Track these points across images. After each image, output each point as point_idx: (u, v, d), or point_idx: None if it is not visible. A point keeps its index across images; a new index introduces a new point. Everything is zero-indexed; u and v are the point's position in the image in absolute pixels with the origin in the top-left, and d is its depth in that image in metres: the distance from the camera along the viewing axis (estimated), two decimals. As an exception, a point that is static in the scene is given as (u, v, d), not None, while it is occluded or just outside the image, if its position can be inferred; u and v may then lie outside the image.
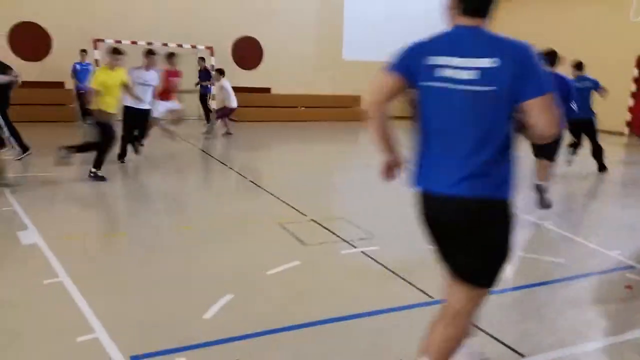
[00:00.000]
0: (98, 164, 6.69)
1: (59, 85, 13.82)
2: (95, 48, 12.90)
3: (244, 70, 14.58)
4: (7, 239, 4.49)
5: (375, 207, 6.13)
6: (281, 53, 15.30)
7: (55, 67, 13.54)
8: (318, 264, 4.18)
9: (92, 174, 6.66)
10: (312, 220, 5.28)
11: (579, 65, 8.40)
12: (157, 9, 14.42)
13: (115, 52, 6.73)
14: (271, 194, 6.38)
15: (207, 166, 8.80)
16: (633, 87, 13.92)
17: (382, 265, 4.12)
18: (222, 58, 14.31)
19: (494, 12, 2.01)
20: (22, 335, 2.89)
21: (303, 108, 15.82)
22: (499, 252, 2.05)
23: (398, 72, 2.05)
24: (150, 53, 7.99)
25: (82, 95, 12.09)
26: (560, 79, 5.58)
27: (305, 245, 4.55)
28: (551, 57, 5.76)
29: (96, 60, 12.88)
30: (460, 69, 1.93)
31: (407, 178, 2.17)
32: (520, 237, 5.25)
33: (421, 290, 3.63)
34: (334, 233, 4.88)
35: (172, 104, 9.13)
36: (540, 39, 17.32)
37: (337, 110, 16.02)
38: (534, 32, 17.35)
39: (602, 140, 8.58)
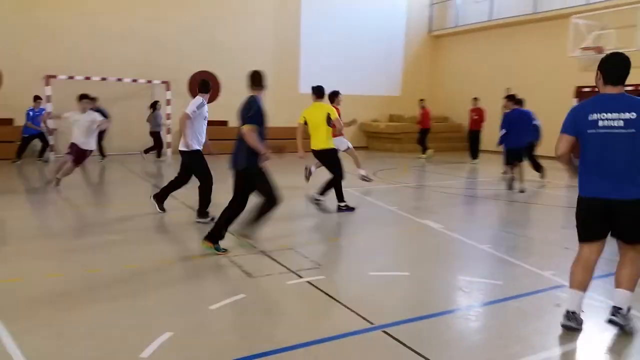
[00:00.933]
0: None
1: (8, 122, 13.49)
2: (47, 84, 12.73)
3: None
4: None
5: (323, 237, 6.22)
6: (238, 87, 15.44)
7: (6, 104, 13.27)
8: (263, 296, 4.20)
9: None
10: (261, 252, 5.31)
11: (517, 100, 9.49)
12: (112, 44, 14.40)
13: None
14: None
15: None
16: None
17: (327, 294, 4.18)
18: (179, 92, 14.36)
19: (626, 79, 3.37)
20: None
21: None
22: None
23: (571, 133, 3.47)
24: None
25: (26, 139, 12.46)
26: None
27: (252, 278, 4.57)
28: None
29: (48, 97, 12.69)
30: (612, 120, 3.30)
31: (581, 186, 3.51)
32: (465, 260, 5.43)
33: (363, 318, 3.71)
34: (281, 264, 4.92)
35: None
36: (486, 72, 18.14)
37: (293, 142, 16.18)
38: (480, 64, 18.25)
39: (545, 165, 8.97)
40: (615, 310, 3.47)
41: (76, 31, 14.00)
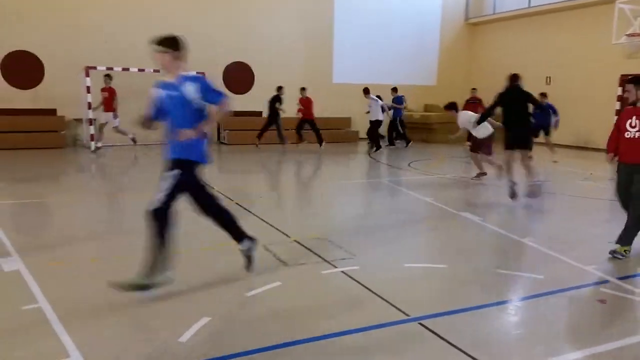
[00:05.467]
0: None
1: (52, 112, 13.92)
2: (87, 75, 13.05)
3: (236, 95, 14.79)
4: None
5: (358, 227, 6.19)
6: (272, 77, 15.51)
7: (48, 95, 13.71)
8: (299, 285, 4.21)
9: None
10: (295, 241, 5.33)
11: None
12: (148, 35, 14.62)
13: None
14: (256, 215, 6.44)
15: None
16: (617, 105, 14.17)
17: (362, 284, 4.16)
18: (214, 83, 14.49)
19: None
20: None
21: (293, 130, 15.95)
22: None
23: None
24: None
25: None
26: None
27: (287, 266, 4.59)
28: None
29: (87, 87, 13.02)
30: None
31: None
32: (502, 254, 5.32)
33: (398, 309, 3.67)
34: (315, 253, 4.93)
35: None
36: (525, 60, 17.61)
37: (329, 132, 16.16)
38: (519, 53, 17.72)
39: (591, 157, 8.69)
40: None
41: (114, 24, 14.28)
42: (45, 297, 3.76)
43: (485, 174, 9.49)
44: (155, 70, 14.09)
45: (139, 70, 13.75)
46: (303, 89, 14.67)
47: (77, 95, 13.29)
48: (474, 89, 15.98)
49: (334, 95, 16.96)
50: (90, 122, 13.20)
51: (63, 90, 13.61)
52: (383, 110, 14.56)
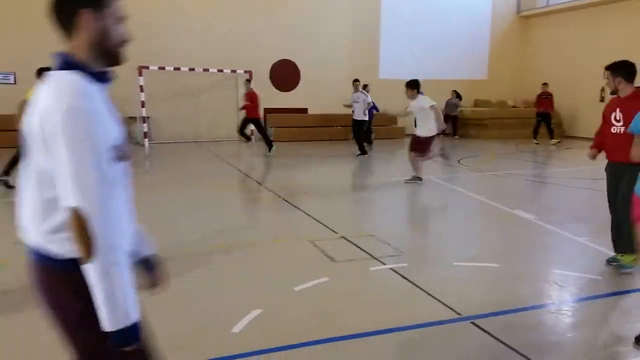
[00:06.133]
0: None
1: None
2: (140, 75, 13.51)
3: (282, 92, 14.94)
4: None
5: (405, 224, 6.12)
6: (318, 74, 15.57)
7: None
8: (346, 281, 4.22)
9: None
10: (342, 237, 5.33)
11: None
12: (198, 36, 15.00)
13: None
14: (303, 211, 6.49)
15: (242, 184, 9.02)
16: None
17: (411, 282, 4.12)
18: (260, 81, 14.71)
19: None
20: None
21: (339, 127, 15.96)
22: None
23: None
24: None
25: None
26: None
27: (335, 262, 4.60)
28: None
29: (141, 86, 13.48)
30: None
31: None
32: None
33: (449, 308, 3.61)
34: (363, 250, 4.91)
35: None
36: (580, 54, 16.83)
37: (374, 129, 16.07)
38: (573, 46, 17.00)
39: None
40: None
41: (166, 24, 14.71)
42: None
43: (420, 179, 8.55)
44: (204, 70, 14.46)
45: (190, 69, 14.13)
46: (248, 81, 12.89)
47: (131, 94, 13.78)
48: (545, 83, 15.33)
49: (379, 91, 16.82)
50: (144, 119, 13.68)
51: (118, 90, 14.11)
52: (371, 109, 12.89)
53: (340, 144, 14.87)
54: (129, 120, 14.79)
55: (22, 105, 6.73)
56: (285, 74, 16.10)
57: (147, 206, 7.20)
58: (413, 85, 8.43)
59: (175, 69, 14.05)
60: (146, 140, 13.67)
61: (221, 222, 6.15)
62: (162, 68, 13.95)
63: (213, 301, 3.74)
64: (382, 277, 4.30)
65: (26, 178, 1.53)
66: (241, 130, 12.65)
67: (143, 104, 13.54)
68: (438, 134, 8.64)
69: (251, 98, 12.16)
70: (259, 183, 9.08)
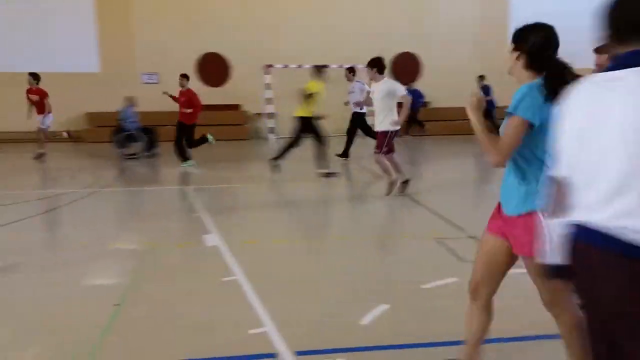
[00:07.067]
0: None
1: (235, 107, 15.46)
2: (267, 73, 14.19)
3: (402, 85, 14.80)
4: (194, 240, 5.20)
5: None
6: (440, 67, 15.14)
7: (234, 92, 15.24)
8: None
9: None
10: (470, 236, 5.13)
11: None
12: (318, 34, 15.36)
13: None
14: (428, 208, 6.36)
15: (365, 179, 9.07)
16: None
17: (549, 287, 3.83)
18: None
19: None
20: (208, 324, 3.33)
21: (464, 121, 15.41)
22: None
23: None
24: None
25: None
26: None
27: (463, 262, 4.43)
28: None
29: (267, 84, 14.15)
30: None
31: None
32: None
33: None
34: (494, 250, 4.67)
35: None
36: None
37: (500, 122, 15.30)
38: None
39: None
40: None
41: (290, 24, 15.26)
42: (241, 270, 4.19)
43: (394, 184, 6.98)
44: (324, 66, 14.77)
45: (322, 65, 14.57)
46: (183, 76, 9.88)
47: (258, 91, 14.54)
48: None
49: (506, 84, 15.93)
50: (269, 115, 14.38)
51: (246, 87, 15.00)
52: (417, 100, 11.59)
53: (466, 138, 14.33)
54: (256, 117, 15.62)
55: (308, 95, 8.16)
56: (406, 66, 15.91)
57: (271, 198, 7.50)
58: (373, 64, 6.75)
59: (298, 66, 14.53)
60: (272, 135, 14.34)
61: (347, 217, 6.25)
62: (286, 66, 14.51)
63: (344, 292, 3.80)
64: (514, 280, 4.02)
65: None
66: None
67: (269, 101, 14.21)
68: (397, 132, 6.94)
69: (188, 98, 9.86)
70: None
